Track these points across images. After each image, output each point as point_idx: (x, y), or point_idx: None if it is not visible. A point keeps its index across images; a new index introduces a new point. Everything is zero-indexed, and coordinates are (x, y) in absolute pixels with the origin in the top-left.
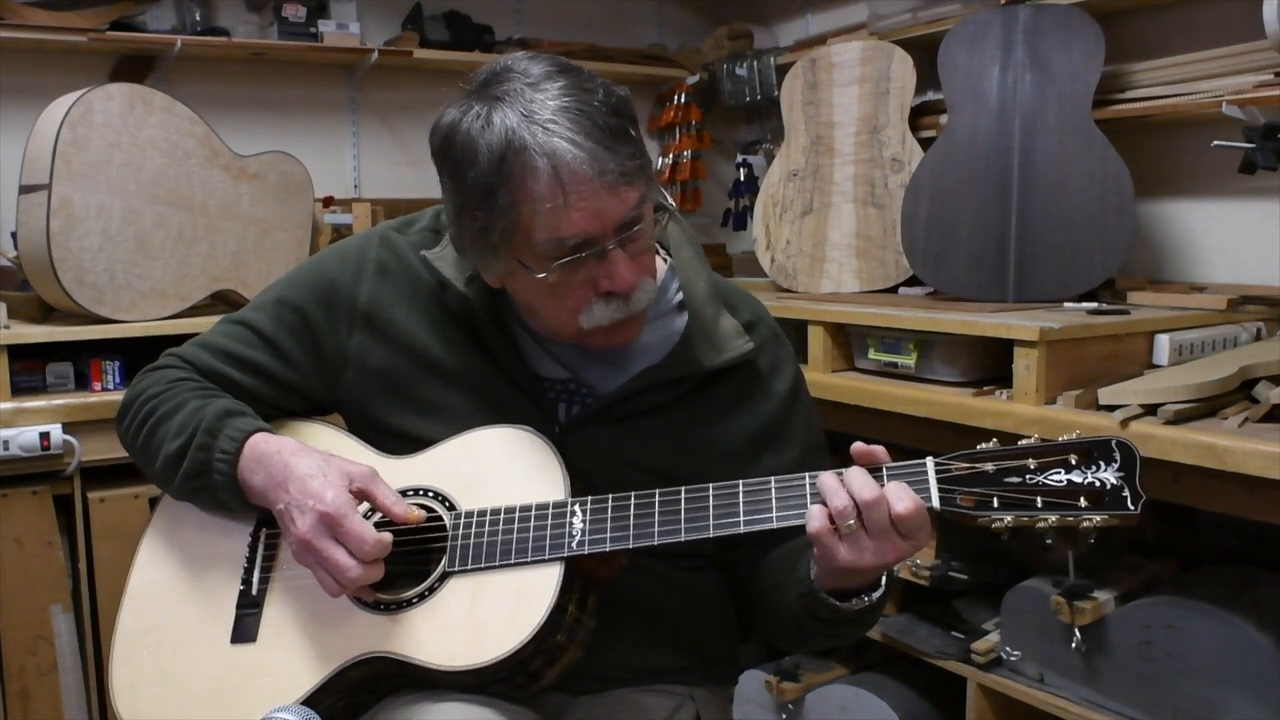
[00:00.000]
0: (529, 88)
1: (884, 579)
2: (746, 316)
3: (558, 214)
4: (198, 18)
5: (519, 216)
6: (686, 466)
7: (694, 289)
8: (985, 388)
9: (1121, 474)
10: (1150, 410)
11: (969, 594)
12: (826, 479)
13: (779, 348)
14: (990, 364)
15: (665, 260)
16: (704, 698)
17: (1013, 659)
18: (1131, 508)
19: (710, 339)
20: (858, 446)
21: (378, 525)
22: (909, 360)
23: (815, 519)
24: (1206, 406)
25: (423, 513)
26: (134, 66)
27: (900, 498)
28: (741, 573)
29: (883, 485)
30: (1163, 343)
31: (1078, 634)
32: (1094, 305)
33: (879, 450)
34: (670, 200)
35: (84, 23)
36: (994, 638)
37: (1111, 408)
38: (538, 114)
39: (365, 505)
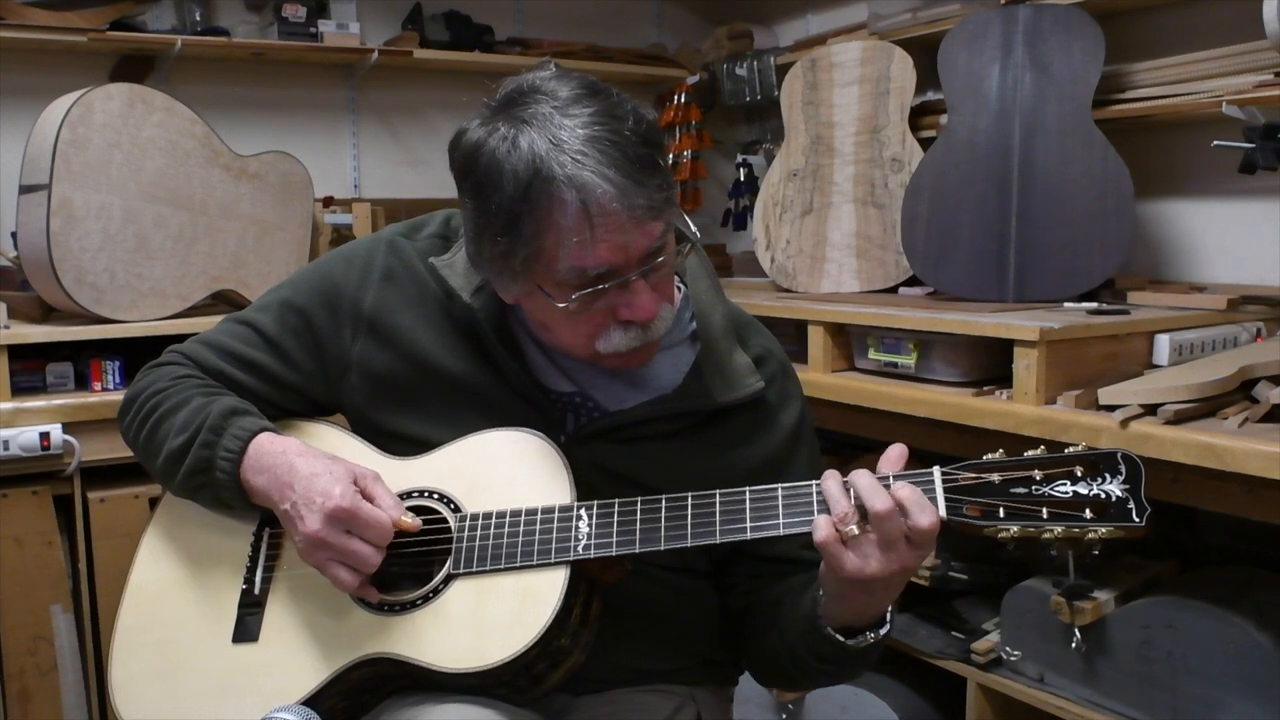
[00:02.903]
0: (556, 111)
1: (888, 615)
2: (757, 350)
3: (583, 247)
4: (198, 18)
5: (543, 246)
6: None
7: (709, 322)
8: (985, 388)
9: (1127, 486)
10: (1150, 410)
11: (969, 594)
12: (831, 487)
13: (786, 381)
14: (990, 364)
15: (680, 289)
16: (705, 698)
17: (1013, 659)
18: (1137, 520)
19: (722, 374)
20: (896, 449)
21: None
22: (909, 360)
23: (822, 529)
24: (1206, 406)
25: (418, 522)
26: (134, 66)
27: (923, 509)
28: (735, 605)
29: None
30: (1163, 343)
31: (1078, 634)
32: (1094, 305)
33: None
34: (694, 229)
35: (84, 23)
36: (994, 638)
37: (1111, 408)
38: (566, 142)
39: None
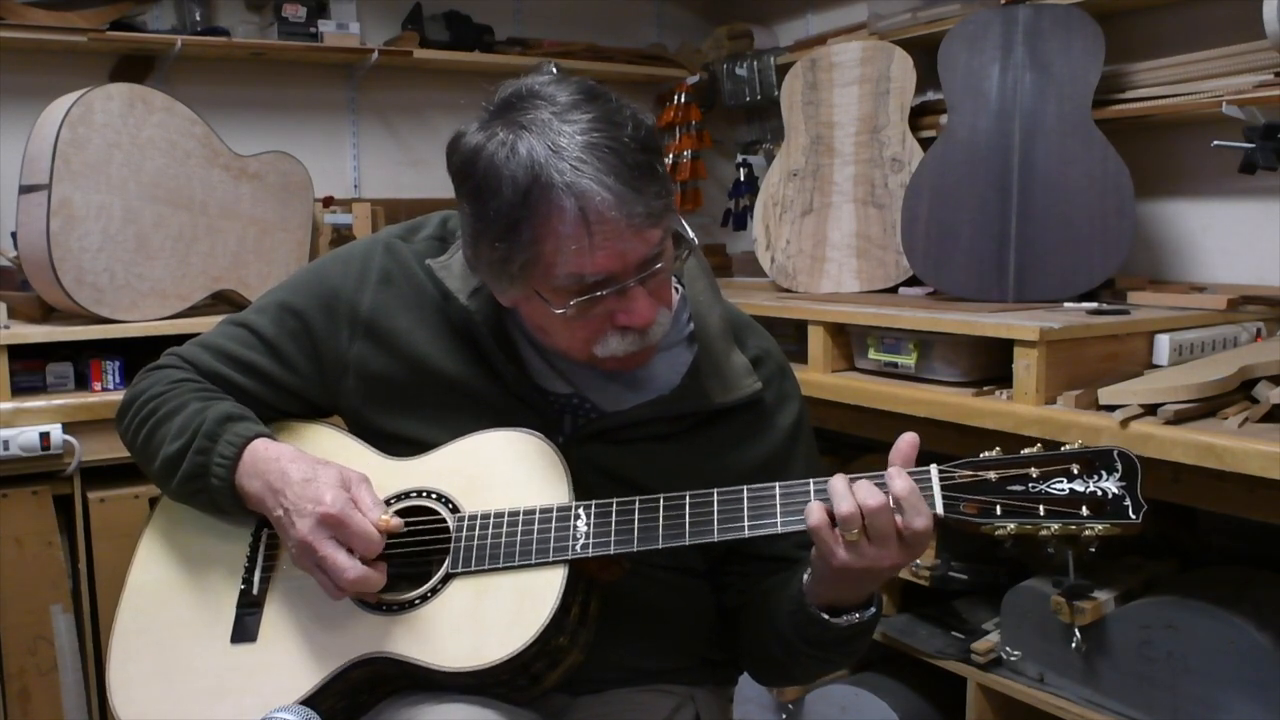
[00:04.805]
0: (555, 117)
1: (875, 598)
2: (754, 351)
3: (582, 254)
4: (198, 18)
5: (541, 253)
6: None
7: (707, 323)
8: (985, 388)
9: (1123, 484)
10: (1150, 410)
11: (969, 594)
12: (837, 483)
13: (784, 381)
14: (990, 364)
15: (678, 290)
16: (704, 698)
17: (1013, 659)
18: (1133, 517)
19: (720, 375)
20: (907, 440)
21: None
22: (909, 360)
23: (814, 513)
24: (1206, 406)
25: (400, 521)
26: (134, 66)
27: (918, 511)
28: (730, 604)
29: (885, 492)
30: (1163, 343)
31: (1078, 634)
32: (1094, 305)
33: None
34: (691, 234)
35: (84, 23)
36: (994, 638)
37: (1111, 408)
38: (565, 149)
39: None
